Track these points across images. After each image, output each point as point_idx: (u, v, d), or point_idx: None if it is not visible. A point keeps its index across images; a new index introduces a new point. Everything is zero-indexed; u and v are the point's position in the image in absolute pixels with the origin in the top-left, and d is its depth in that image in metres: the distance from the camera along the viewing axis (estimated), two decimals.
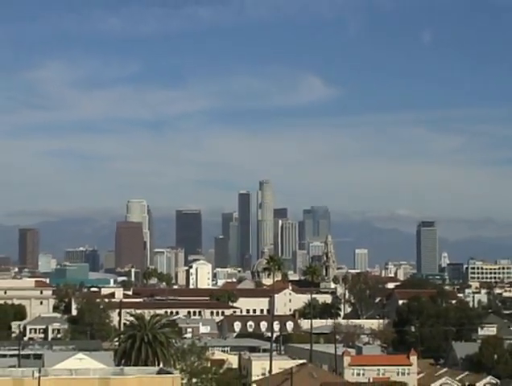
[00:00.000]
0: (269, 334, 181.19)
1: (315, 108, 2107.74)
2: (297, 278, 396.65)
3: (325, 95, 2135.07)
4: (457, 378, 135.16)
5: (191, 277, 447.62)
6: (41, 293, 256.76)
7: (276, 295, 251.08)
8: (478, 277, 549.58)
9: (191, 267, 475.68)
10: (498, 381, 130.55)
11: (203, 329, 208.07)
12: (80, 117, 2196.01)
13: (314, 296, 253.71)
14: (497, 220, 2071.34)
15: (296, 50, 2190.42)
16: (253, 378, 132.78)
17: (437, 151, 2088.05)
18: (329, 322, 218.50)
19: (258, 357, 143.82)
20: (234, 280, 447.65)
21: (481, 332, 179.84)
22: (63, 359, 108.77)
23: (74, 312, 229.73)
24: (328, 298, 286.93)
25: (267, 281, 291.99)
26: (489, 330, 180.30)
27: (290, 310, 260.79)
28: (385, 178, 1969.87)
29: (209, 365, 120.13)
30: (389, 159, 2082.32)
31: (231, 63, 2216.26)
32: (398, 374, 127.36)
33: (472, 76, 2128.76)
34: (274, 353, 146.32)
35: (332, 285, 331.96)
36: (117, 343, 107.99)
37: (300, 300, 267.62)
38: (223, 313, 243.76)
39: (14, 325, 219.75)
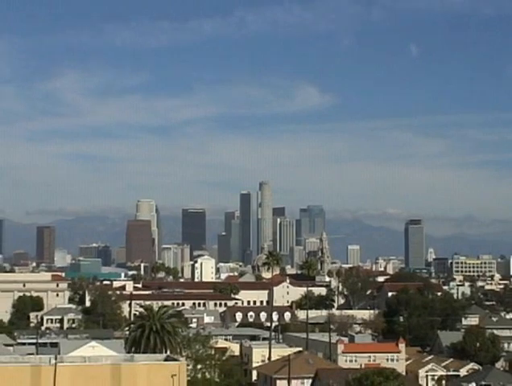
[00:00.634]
0: (268, 324, 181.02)
1: (310, 115, 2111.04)
2: (294, 272, 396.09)
3: (320, 103, 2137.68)
4: (442, 364, 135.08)
5: (196, 271, 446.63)
6: (57, 285, 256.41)
7: (275, 288, 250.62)
8: (462, 271, 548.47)
9: (196, 262, 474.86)
10: (480, 367, 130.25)
11: (207, 319, 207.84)
12: (94, 123, 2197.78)
13: (310, 288, 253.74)
14: (479, 218, 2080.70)
15: (293, 61, 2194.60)
16: (254, 364, 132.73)
17: (423, 154, 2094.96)
18: (324, 312, 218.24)
19: (258, 345, 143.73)
20: (236, 274, 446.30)
21: (464, 322, 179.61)
22: (77, 347, 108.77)
23: (88, 303, 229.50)
24: (322, 291, 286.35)
25: (267, 275, 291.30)
26: (472, 320, 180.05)
27: (287, 301, 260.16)
28: (375, 180, 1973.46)
29: (213, 352, 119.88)
30: (379, 162, 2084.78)
31: (233, 73, 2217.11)
32: (387, 360, 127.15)
33: (455, 86, 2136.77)
34: (273, 341, 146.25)
35: (327, 279, 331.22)
36: (127, 332, 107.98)
37: (297, 292, 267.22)
38: (225, 304, 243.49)
39: (33, 315, 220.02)
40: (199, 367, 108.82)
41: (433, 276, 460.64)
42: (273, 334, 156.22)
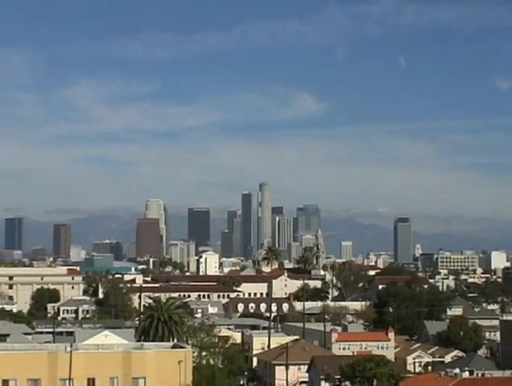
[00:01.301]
0: (268, 314, 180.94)
1: (307, 121, 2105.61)
2: (292, 266, 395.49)
3: (316, 109, 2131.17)
4: (429, 352, 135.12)
5: (201, 266, 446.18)
6: (72, 279, 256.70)
7: (274, 281, 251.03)
8: (447, 266, 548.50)
9: (201, 257, 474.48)
10: (464, 354, 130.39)
11: (211, 309, 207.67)
12: (107, 128, 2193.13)
13: (306, 281, 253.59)
14: (464, 217, 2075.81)
15: (291, 71, 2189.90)
16: (254, 351, 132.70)
17: (412, 157, 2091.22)
18: (319, 304, 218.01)
19: (258, 334, 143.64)
20: (238, 268, 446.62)
21: (449, 312, 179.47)
22: (91, 336, 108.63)
23: (101, 295, 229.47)
24: (318, 284, 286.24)
25: (266, 269, 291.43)
26: (456, 311, 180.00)
27: (285, 293, 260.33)
28: (366, 181, 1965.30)
29: (216, 341, 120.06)
30: (370, 164, 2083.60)
31: (235, 83, 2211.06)
32: (378, 348, 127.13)
33: (441, 94, 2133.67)
34: (272, 330, 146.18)
35: (322, 273, 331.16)
36: (137, 322, 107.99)
37: (294, 285, 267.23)
38: (228, 296, 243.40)
39: (50, 306, 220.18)
40: (203, 354, 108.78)
41: (420, 270, 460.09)
42: (272, 323, 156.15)
